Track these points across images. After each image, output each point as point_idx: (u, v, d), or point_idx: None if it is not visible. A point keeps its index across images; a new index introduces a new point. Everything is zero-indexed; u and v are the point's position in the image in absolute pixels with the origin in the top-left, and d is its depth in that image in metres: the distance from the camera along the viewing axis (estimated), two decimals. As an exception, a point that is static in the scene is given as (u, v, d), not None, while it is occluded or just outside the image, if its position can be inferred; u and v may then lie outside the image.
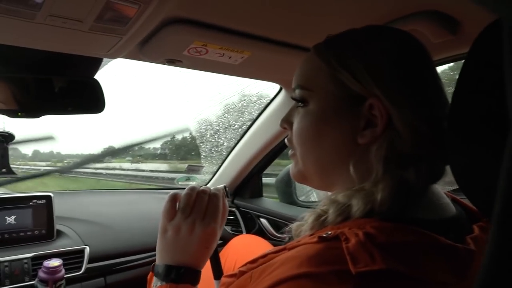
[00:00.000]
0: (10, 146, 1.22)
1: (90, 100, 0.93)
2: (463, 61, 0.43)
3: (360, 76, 0.49)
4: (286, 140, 0.62)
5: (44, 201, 1.27)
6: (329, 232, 0.43)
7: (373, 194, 0.46)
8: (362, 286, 0.37)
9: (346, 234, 0.42)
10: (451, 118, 0.43)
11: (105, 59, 0.96)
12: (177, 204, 0.65)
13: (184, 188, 0.66)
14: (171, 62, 0.93)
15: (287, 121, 0.60)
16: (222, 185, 0.79)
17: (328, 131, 0.53)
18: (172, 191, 0.67)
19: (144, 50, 0.86)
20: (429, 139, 0.48)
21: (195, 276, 0.62)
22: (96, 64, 0.94)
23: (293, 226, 0.55)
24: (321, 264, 0.39)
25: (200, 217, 0.63)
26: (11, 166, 1.24)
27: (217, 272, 0.94)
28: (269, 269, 0.45)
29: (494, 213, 0.22)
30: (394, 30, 0.55)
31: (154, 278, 0.62)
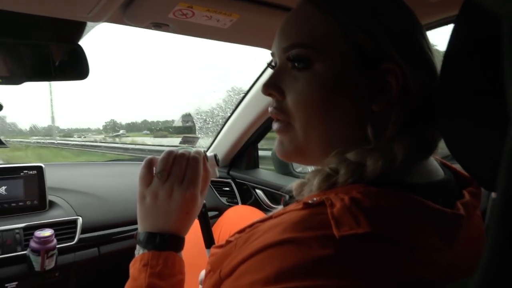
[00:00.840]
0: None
1: (74, 66, 0.90)
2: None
3: (377, 36, 0.45)
4: (272, 109, 0.52)
5: (35, 171, 1.25)
6: (315, 199, 0.42)
7: (390, 154, 0.43)
8: (346, 250, 0.36)
9: (331, 199, 0.40)
10: (442, 83, 0.41)
11: (89, 25, 0.92)
12: (154, 169, 0.63)
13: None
14: (158, 26, 0.89)
15: (274, 86, 0.51)
16: (212, 153, 0.77)
17: (340, 97, 0.47)
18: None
19: (128, 13, 0.82)
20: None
21: (177, 242, 0.61)
22: (79, 28, 0.91)
23: (294, 185, 0.51)
24: (305, 229, 0.38)
25: (178, 182, 0.61)
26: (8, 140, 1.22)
27: (209, 241, 0.94)
28: (253, 237, 0.44)
29: (494, 212, 0.21)
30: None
31: (137, 246, 0.61)
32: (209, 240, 0.94)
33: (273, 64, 0.55)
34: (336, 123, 0.48)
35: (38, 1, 0.70)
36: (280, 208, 0.56)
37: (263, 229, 0.43)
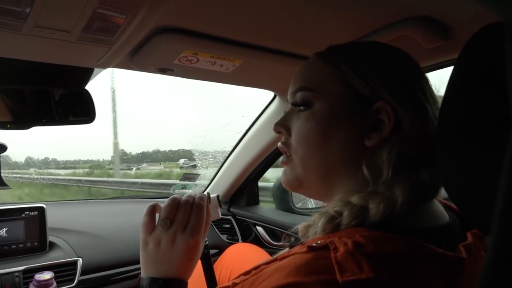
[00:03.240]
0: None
1: (81, 110, 0.92)
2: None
3: (369, 79, 0.50)
4: (280, 144, 0.59)
5: (36, 212, 1.25)
6: (319, 242, 0.43)
7: (391, 198, 0.45)
8: None
9: (335, 243, 0.41)
10: (440, 123, 0.43)
11: (96, 69, 0.95)
12: (157, 215, 0.64)
13: (167, 198, 0.65)
14: (163, 71, 0.93)
15: (283, 125, 0.58)
16: (214, 194, 0.78)
17: (334, 133, 0.52)
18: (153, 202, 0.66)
19: (135, 60, 0.85)
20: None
21: (180, 287, 0.61)
22: (86, 74, 0.93)
23: (300, 227, 0.54)
24: (309, 273, 0.39)
25: (181, 229, 0.62)
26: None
27: (211, 283, 0.93)
28: (259, 280, 0.45)
29: (495, 214, 0.22)
30: (392, 46, 0.56)
31: None
32: (211, 282, 0.93)
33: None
34: (331, 155, 0.52)
35: (50, 51, 0.73)
36: (285, 250, 0.57)
37: (268, 272, 0.44)
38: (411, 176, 0.47)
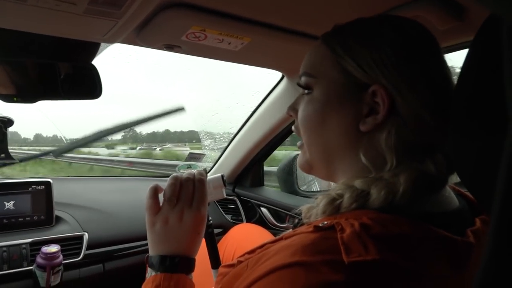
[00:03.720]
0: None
1: (87, 85, 0.91)
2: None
3: (364, 63, 0.49)
4: (293, 128, 0.61)
5: (43, 186, 1.26)
6: (325, 222, 0.43)
7: (394, 185, 0.45)
8: (355, 276, 0.37)
9: (342, 224, 0.41)
10: (454, 107, 0.42)
11: (102, 44, 0.94)
12: (160, 195, 0.65)
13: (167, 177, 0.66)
14: (170, 47, 0.91)
15: (293, 109, 0.60)
16: (219, 174, 0.78)
17: (331, 118, 0.52)
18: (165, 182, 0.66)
19: (142, 35, 0.83)
20: (434, 128, 0.47)
21: (189, 264, 0.62)
22: (93, 49, 0.92)
23: (303, 208, 0.54)
24: (315, 253, 0.39)
25: (187, 205, 0.63)
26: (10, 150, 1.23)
27: (215, 262, 0.94)
28: (264, 258, 0.44)
29: (493, 211, 0.21)
30: (401, 18, 0.54)
31: (148, 269, 0.62)
32: (215, 261, 0.94)
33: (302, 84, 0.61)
34: (329, 141, 0.54)
35: (56, 23, 0.72)
36: (289, 230, 0.57)
37: (274, 251, 0.44)
38: (417, 167, 0.46)
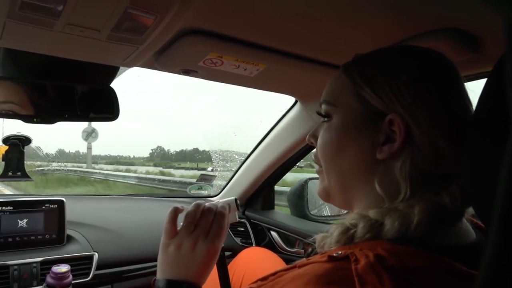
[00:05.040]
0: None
1: (105, 107, 0.93)
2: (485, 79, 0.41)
3: (381, 92, 0.50)
4: (313, 156, 0.62)
5: (56, 205, 1.27)
6: (339, 252, 0.42)
7: (408, 216, 0.45)
8: None
9: (356, 254, 0.41)
10: (470, 136, 0.42)
11: (121, 68, 0.97)
12: (180, 217, 0.66)
13: (197, 198, 0.67)
14: (187, 72, 0.93)
15: (313, 136, 0.61)
16: (232, 198, 0.78)
17: (348, 145, 0.53)
18: (177, 203, 0.67)
19: (160, 60, 0.86)
20: (450, 157, 0.47)
21: None
22: (112, 72, 0.95)
23: (318, 237, 0.54)
24: (328, 283, 0.38)
25: (203, 235, 0.64)
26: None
27: (225, 286, 0.93)
28: (276, 286, 0.44)
29: (494, 214, 0.22)
30: (421, 48, 0.55)
31: None
32: (225, 285, 0.93)
33: (322, 113, 0.61)
34: (345, 169, 0.54)
35: (79, 48, 0.75)
36: (302, 258, 0.57)
37: (287, 279, 0.44)
38: (431, 198, 0.46)
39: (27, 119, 0.89)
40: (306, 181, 1.63)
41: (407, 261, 0.40)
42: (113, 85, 0.97)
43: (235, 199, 0.78)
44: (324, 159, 0.57)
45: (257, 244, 1.65)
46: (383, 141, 0.50)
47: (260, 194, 1.73)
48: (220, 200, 0.77)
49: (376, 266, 0.38)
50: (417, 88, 0.49)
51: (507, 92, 0.22)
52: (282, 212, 1.77)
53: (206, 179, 1.83)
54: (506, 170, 0.21)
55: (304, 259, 0.50)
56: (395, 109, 0.49)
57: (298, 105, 1.34)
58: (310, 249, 0.61)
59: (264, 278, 0.53)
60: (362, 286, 0.37)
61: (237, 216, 0.79)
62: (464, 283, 0.41)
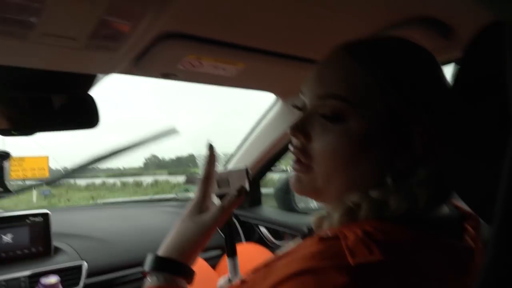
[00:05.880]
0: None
1: (85, 116, 0.92)
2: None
3: (413, 103, 0.48)
4: (296, 150, 0.53)
5: (41, 218, 1.25)
6: (329, 233, 0.44)
7: (414, 197, 0.45)
8: (362, 278, 0.37)
9: (345, 232, 0.42)
10: (446, 124, 0.43)
11: (100, 75, 0.96)
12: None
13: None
14: (166, 76, 0.93)
15: (303, 131, 0.52)
16: (244, 167, 0.80)
17: (368, 153, 0.49)
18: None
19: (139, 65, 0.85)
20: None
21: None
22: (91, 80, 0.94)
23: (313, 218, 0.53)
24: (322, 259, 0.40)
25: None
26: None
27: (232, 250, 0.93)
28: (271, 272, 0.45)
29: (495, 213, 0.22)
30: (428, 53, 0.53)
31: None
32: (232, 249, 0.93)
33: (298, 105, 0.56)
34: (359, 174, 0.50)
35: (56, 58, 0.74)
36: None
37: (280, 264, 0.45)
38: (432, 182, 0.47)
39: (5, 132, 0.88)
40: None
41: (394, 236, 0.42)
42: (93, 92, 0.96)
43: (246, 169, 0.78)
44: (332, 164, 0.50)
45: (247, 241, 1.66)
46: (402, 149, 0.48)
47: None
48: (231, 169, 0.79)
49: (364, 239, 0.40)
50: (440, 98, 0.48)
51: (509, 91, 0.22)
52: (269, 208, 1.78)
53: (192, 181, 1.83)
54: (507, 170, 0.22)
55: (296, 246, 0.51)
56: (419, 117, 0.48)
57: (278, 103, 1.36)
58: (306, 230, 0.60)
59: (256, 270, 0.53)
60: (353, 257, 0.38)
61: (248, 186, 0.80)
62: (450, 255, 0.43)
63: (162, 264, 0.61)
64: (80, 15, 0.59)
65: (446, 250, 0.43)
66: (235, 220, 1.70)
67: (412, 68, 0.50)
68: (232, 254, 0.92)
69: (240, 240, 1.67)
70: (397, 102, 0.48)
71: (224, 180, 0.82)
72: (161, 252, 0.63)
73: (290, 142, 0.56)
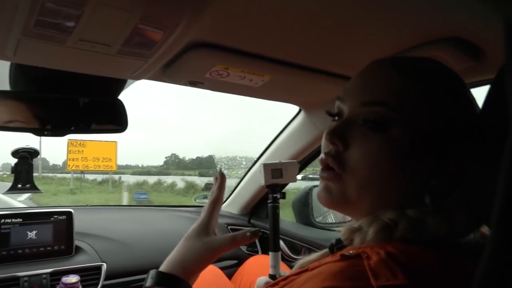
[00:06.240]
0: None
1: (114, 119, 0.95)
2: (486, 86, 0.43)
3: (454, 120, 0.48)
4: (329, 157, 0.51)
5: (64, 217, 1.29)
6: (351, 251, 0.43)
7: (452, 220, 0.45)
8: None
9: (367, 252, 0.42)
10: (475, 144, 0.43)
11: (129, 80, 0.99)
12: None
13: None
14: (193, 84, 0.95)
15: (341, 138, 0.50)
16: (296, 160, 0.84)
17: (405, 168, 0.48)
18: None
19: (168, 72, 0.88)
20: None
21: None
22: (120, 85, 0.97)
23: (343, 229, 0.52)
24: (344, 279, 0.39)
25: None
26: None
27: (275, 245, 0.98)
28: (292, 286, 0.45)
29: (494, 214, 0.22)
30: (458, 75, 0.54)
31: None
32: (275, 244, 0.97)
33: (333, 112, 0.55)
34: (394, 189, 0.49)
35: (90, 63, 0.77)
36: (312, 257, 0.59)
37: (301, 281, 0.44)
38: (467, 204, 0.46)
39: (38, 132, 0.91)
40: (310, 189, 1.64)
41: (418, 259, 0.41)
42: (121, 97, 0.99)
43: (298, 162, 0.80)
44: (367, 174, 0.49)
45: (263, 252, 1.65)
46: (439, 168, 0.48)
47: (266, 202, 1.74)
48: (285, 161, 0.85)
49: (388, 261, 0.39)
50: (471, 115, 0.50)
51: (508, 93, 0.22)
52: (287, 220, 1.77)
53: (210, 188, 1.84)
54: (505, 170, 0.22)
55: (316, 262, 0.51)
56: (458, 137, 0.48)
57: (302, 114, 1.36)
58: (335, 241, 0.58)
59: (274, 284, 0.53)
60: (376, 279, 0.37)
61: (296, 178, 0.85)
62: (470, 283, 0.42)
63: (164, 280, 0.61)
64: (116, 23, 0.61)
65: (468, 279, 0.43)
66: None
67: (452, 87, 0.51)
68: (276, 249, 0.94)
69: (257, 252, 1.66)
70: (439, 117, 0.48)
71: (278, 171, 0.87)
72: (163, 267, 0.64)
73: (313, 155, 0.56)
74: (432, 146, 0.48)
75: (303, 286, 0.42)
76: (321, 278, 0.41)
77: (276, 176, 0.90)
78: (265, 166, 0.95)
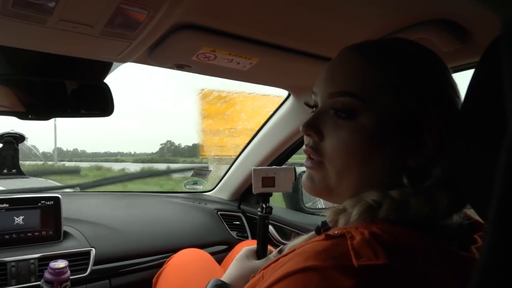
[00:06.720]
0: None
1: (100, 103, 0.94)
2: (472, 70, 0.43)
3: (422, 99, 0.49)
4: (308, 148, 0.55)
5: (52, 202, 1.27)
6: (336, 232, 0.44)
7: (435, 201, 0.46)
8: (364, 280, 0.37)
9: (352, 232, 0.42)
10: (459, 127, 0.43)
11: (114, 63, 0.97)
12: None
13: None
14: (180, 67, 0.94)
15: (316, 129, 0.53)
16: (292, 166, 0.81)
17: (379, 150, 0.49)
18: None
19: (153, 55, 0.86)
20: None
21: None
22: (106, 68, 0.95)
23: (328, 212, 0.53)
24: (327, 258, 0.40)
25: None
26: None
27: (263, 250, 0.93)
28: (277, 266, 0.46)
29: (490, 212, 0.22)
30: (434, 54, 0.54)
31: None
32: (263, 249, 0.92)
33: (310, 103, 0.58)
34: (371, 172, 0.50)
35: (73, 44, 0.75)
36: (301, 240, 0.61)
37: (287, 258, 0.45)
38: (451, 187, 0.47)
39: (22, 115, 0.90)
40: (300, 175, 1.65)
41: (401, 239, 0.42)
42: (107, 80, 0.98)
43: (294, 168, 0.78)
44: (345, 161, 0.51)
45: (253, 237, 1.66)
46: (414, 148, 0.49)
47: (255, 187, 1.74)
48: (281, 167, 0.81)
49: (371, 241, 0.40)
50: (454, 98, 0.50)
51: (506, 92, 0.22)
52: (277, 205, 1.78)
53: (201, 173, 1.84)
54: (502, 167, 0.22)
55: (303, 243, 0.51)
56: (432, 117, 0.48)
57: (291, 98, 1.35)
58: (320, 224, 0.59)
59: (266, 267, 0.54)
60: (357, 258, 0.38)
61: (291, 187, 0.81)
62: (454, 264, 0.43)
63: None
64: (98, 2, 0.60)
65: (454, 260, 0.43)
66: (242, 217, 1.70)
67: (420, 66, 0.51)
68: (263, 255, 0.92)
69: (247, 237, 1.67)
70: (407, 99, 0.49)
71: (270, 179, 0.81)
72: (224, 278, 0.77)
73: (302, 140, 0.57)
74: (404, 127, 0.49)
75: (287, 263, 0.43)
76: (305, 256, 0.41)
77: (267, 184, 0.81)
78: (255, 172, 0.85)
